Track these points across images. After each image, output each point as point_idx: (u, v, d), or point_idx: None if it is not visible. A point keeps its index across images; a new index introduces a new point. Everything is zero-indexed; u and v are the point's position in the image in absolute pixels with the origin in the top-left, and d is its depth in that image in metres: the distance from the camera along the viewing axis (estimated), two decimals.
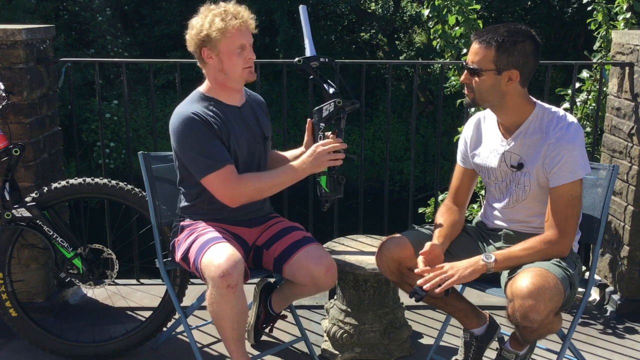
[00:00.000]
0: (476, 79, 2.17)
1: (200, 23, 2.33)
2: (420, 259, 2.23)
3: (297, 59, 2.33)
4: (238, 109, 2.47)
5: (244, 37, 2.35)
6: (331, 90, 2.29)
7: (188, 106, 2.39)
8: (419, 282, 2.14)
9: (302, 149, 2.57)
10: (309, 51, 2.35)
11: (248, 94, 2.57)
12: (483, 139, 2.37)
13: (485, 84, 2.16)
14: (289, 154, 2.66)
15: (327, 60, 2.34)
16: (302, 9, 2.38)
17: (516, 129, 2.24)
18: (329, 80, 2.33)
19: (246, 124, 2.47)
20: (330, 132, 2.31)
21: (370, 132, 11.55)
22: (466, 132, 2.44)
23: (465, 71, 2.20)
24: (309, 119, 2.41)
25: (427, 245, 2.24)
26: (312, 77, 2.33)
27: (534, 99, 2.26)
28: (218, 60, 2.36)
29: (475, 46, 2.17)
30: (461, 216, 2.44)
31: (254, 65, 2.43)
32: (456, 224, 2.40)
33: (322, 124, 2.28)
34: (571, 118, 2.20)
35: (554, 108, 2.25)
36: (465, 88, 2.23)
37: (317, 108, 2.30)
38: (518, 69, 2.14)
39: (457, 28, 4.16)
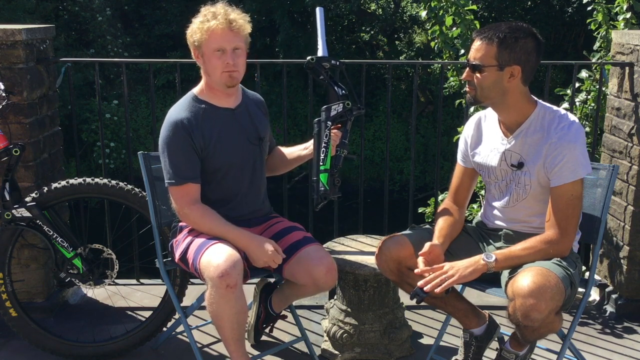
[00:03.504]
0: (478, 75, 2.17)
1: (193, 23, 2.36)
2: (420, 259, 2.23)
3: (309, 57, 2.33)
4: (231, 112, 2.46)
5: (223, 40, 2.31)
6: (341, 93, 2.31)
7: (178, 111, 2.40)
8: (419, 283, 2.14)
9: (306, 144, 2.60)
10: (321, 51, 2.36)
11: (246, 94, 2.57)
12: (483, 138, 2.37)
13: (487, 80, 2.16)
14: (294, 149, 2.67)
15: (337, 63, 2.36)
16: (319, 11, 2.41)
17: (517, 127, 2.24)
18: (339, 83, 2.35)
19: (240, 126, 2.47)
20: (334, 126, 2.31)
21: (370, 132, 11.56)
22: (467, 131, 2.44)
23: (467, 68, 2.20)
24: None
25: (427, 245, 2.24)
26: (322, 77, 2.34)
27: (535, 98, 2.26)
28: (203, 62, 2.38)
29: (477, 43, 2.17)
30: (461, 216, 2.44)
31: (242, 69, 2.39)
32: (456, 224, 2.40)
33: (329, 123, 2.28)
34: (572, 117, 2.20)
35: (555, 107, 2.25)
36: (467, 85, 2.22)
37: (325, 107, 2.31)
38: (520, 65, 2.14)
39: (454, 29, 4.17)
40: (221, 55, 2.33)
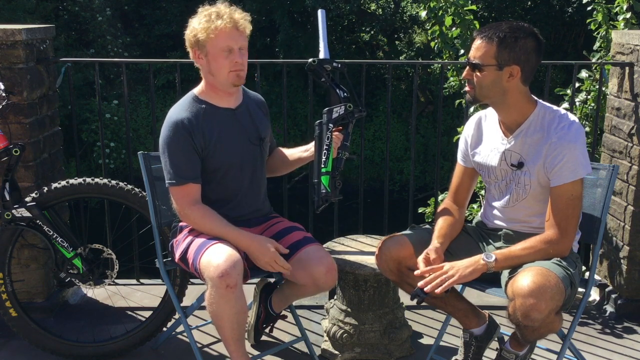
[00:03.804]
0: (477, 74, 2.17)
1: (193, 24, 2.36)
2: (420, 260, 2.23)
3: (311, 59, 2.33)
4: (232, 112, 2.47)
5: (231, 39, 2.33)
6: (342, 95, 2.32)
7: (178, 111, 2.40)
8: (419, 283, 2.14)
9: (307, 146, 2.61)
10: (323, 54, 2.36)
11: (247, 95, 2.57)
12: (484, 138, 2.37)
13: (486, 79, 2.16)
14: (295, 150, 2.67)
15: (339, 65, 2.37)
16: (320, 13, 2.42)
17: (517, 127, 2.24)
18: (341, 85, 2.35)
19: (241, 126, 2.47)
20: (335, 128, 2.32)
21: (370, 132, 11.56)
22: (467, 131, 2.44)
23: (467, 67, 2.20)
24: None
25: (426, 252, 2.24)
26: (323, 79, 2.34)
27: (536, 98, 2.26)
28: (206, 62, 2.37)
29: (477, 42, 2.17)
30: (461, 216, 2.44)
31: (246, 68, 2.40)
32: (456, 224, 2.40)
33: (331, 125, 2.29)
34: (572, 117, 2.19)
35: (555, 107, 2.25)
36: (467, 84, 2.22)
37: (327, 109, 2.31)
38: (519, 65, 2.13)
39: (454, 29, 4.18)
40: (228, 54, 2.33)
